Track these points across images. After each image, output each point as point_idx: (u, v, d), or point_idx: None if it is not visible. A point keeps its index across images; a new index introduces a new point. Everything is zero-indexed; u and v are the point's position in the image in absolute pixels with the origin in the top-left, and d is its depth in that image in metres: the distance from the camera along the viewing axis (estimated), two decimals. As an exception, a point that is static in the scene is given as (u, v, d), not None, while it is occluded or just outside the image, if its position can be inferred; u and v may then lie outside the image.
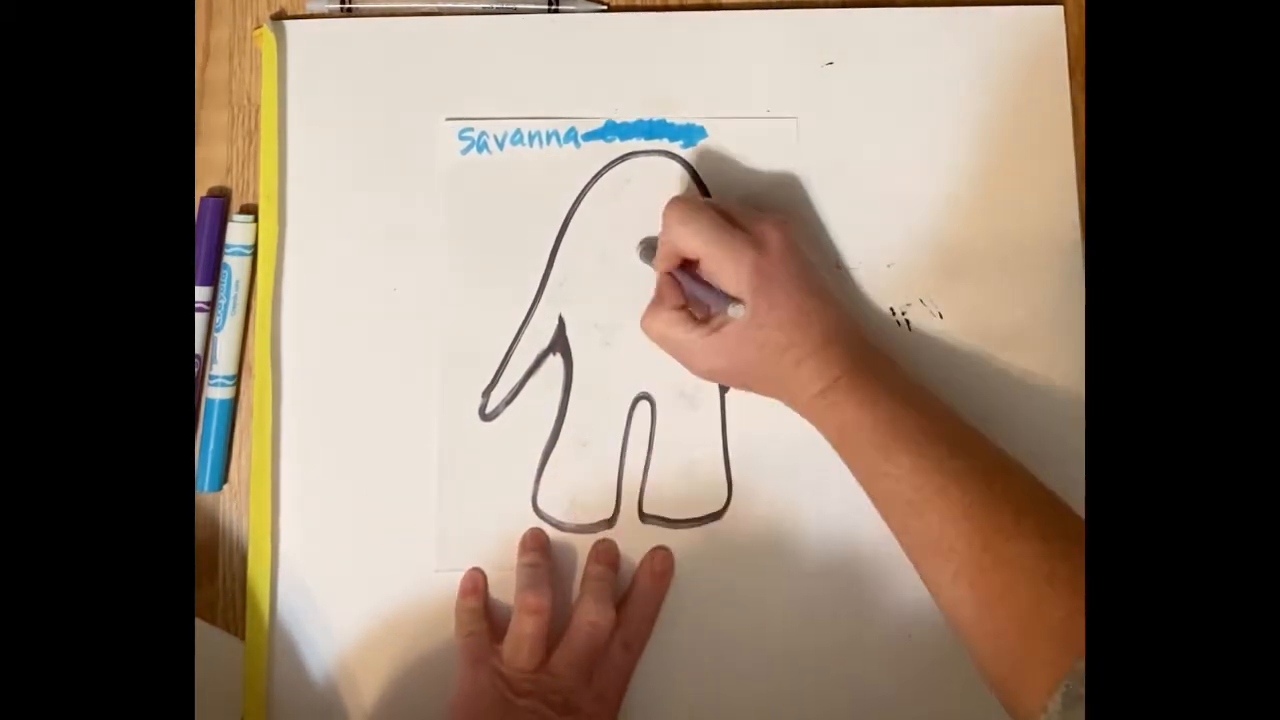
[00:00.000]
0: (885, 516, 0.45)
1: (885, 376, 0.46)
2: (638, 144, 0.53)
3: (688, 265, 0.48)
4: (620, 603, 0.49)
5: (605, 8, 0.55)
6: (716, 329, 0.46)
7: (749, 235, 0.47)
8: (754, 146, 0.53)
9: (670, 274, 0.49)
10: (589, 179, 0.53)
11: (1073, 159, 0.53)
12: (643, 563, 0.50)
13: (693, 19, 0.54)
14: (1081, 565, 0.40)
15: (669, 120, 0.53)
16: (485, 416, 0.51)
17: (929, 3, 0.54)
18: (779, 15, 0.54)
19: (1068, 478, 0.50)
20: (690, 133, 0.53)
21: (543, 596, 0.47)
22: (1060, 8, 0.54)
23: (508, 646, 0.47)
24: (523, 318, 0.52)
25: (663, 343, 0.49)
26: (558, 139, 0.53)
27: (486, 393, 0.52)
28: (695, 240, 0.46)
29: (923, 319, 0.52)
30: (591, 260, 0.52)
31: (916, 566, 0.44)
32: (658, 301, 0.49)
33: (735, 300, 0.45)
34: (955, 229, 0.52)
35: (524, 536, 0.50)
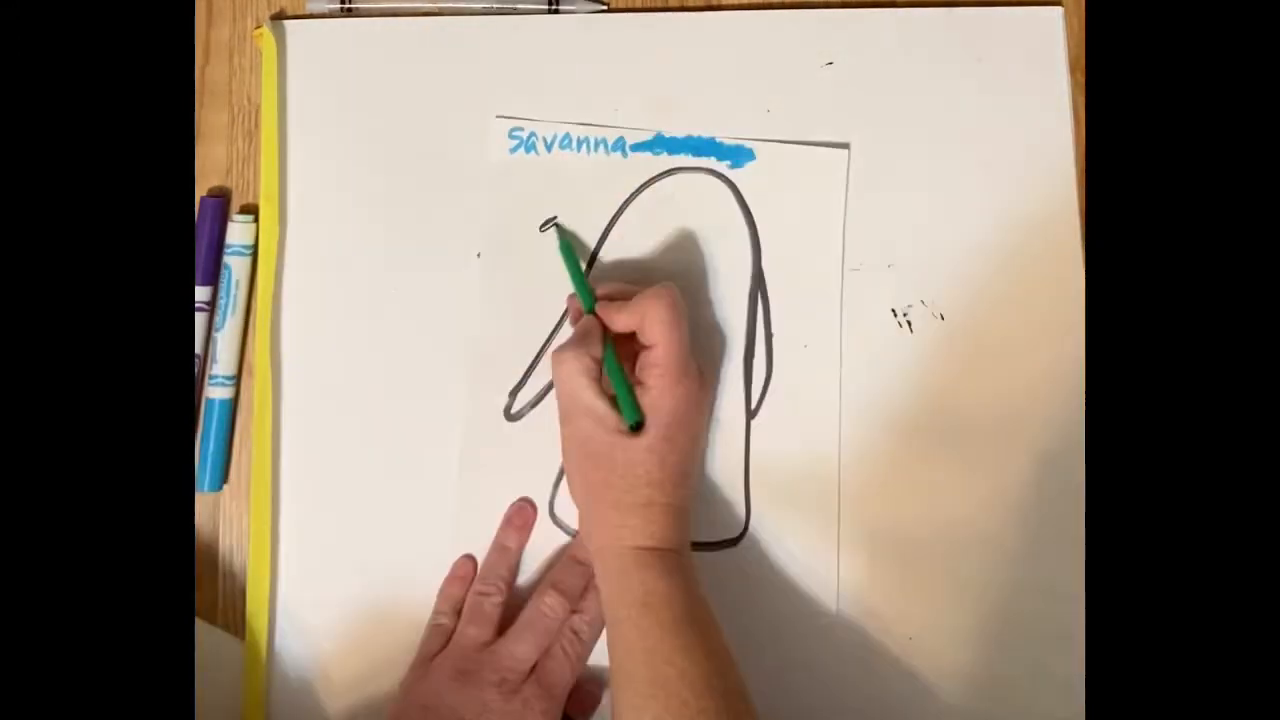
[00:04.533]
0: (619, 665, 0.43)
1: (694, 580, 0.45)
2: (684, 160, 0.53)
3: (618, 339, 0.47)
4: (582, 596, 0.49)
5: (605, 8, 0.55)
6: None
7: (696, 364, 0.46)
8: (802, 174, 0.52)
9: (603, 323, 0.47)
10: (633, 190, 0.53)
11: (1072, 159, 0.53)
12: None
13: (691, 19, 0.54)
14: None
15: (718, 139, 0.53)
16: (510, 417, 0.51)
17: (929, 3, 0.54)
18: (779, 15, 0.54)
19: (1068, 478, 0.50)
20: (738, 154, 0.53)
21: (499, 580, 0.49)
22: (1060, 8, 0.54)
23: (463, 619, 0.48)
24: (556, 321, 0.52)
25: (566, 391, 0.46)
26: (605, 147, 0.53)
27: (513, 393, 0.52)
28: (669, 329, 0.45)
29: (924, 320, 0.52)
30: (629, 270, 0.52)
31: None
32: (579, 344, 0.46)
33: (639, 413, 0.44)
34: (956, 230, 0.52)
35: (509, 512, 0.51)
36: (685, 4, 0.55)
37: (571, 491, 0.48)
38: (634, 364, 0.47)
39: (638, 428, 0.44)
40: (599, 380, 0.46)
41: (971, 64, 0.54)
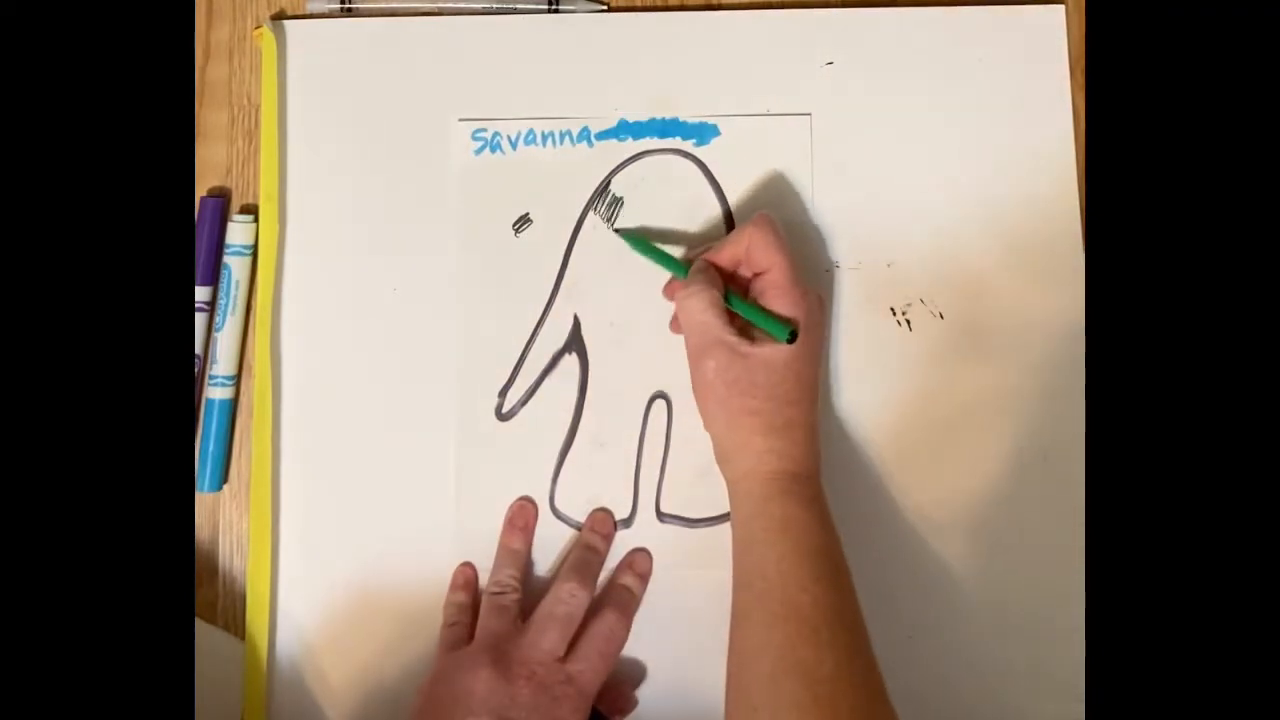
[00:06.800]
0: (748, 585, 0.44)
1: (828, 511, 0.46)
2: (650, 143, 0.53)
3: (731, 281, 0.48)
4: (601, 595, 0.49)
5: (605, 8, 0.55)
6: (757, 342, 0.46)
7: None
8: (766, 145, 0.53)
9: (713, 264, 0.48)
10: (603, 178, 0.53)
11: (1073, 159, 0.53)
12: (621, 564, 0.50)
13: (692, 19, 0.54)
14: None
15: (681, 119, 0.53)
16: (502, 416, 0.51)
17: (929, 2, 0.54)
18: (779, 15, 0.54)
19: (1068, 477, 0.50)
20: (703, 131, 0.53)
21: (510, 579, 0.49)
22: (1060, 7, 0.54)
23: (482, 617, 0.48)
24: (538, 317, 0.52)
25: (698, 326, 0.47)
26: (570, 138, 0.53)
27: (503, 392, 0.52)
28: (778, 251, 0.46)
29: (923, 319, 0.52)
30: (606, 258, 0.52)
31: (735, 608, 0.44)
32: (704, 282, 0.47)
33: (791, 324, 0.45)
34: (955, 229, 0.52)
35: (510, 514, 0.51)
36: (685, 4, 0.55)
37: (709, 426, 0.48)
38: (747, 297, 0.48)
39: (793, 338, 0.45)
40: (726, 313, 0.46)
41: (971, 64, 0.54)
